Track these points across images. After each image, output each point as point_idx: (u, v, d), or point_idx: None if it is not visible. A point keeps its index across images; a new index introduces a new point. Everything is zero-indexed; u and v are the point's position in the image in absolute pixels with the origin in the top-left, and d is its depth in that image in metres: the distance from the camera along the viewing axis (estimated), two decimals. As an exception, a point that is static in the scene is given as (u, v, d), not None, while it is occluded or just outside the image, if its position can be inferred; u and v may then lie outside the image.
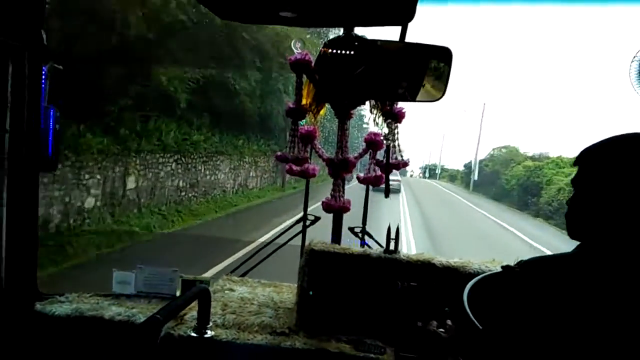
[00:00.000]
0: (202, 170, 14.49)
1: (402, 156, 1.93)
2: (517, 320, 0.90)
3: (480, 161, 39.27)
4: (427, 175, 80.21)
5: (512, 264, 1.02)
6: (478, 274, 1.53)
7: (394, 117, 1.89)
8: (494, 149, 38.07)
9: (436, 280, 1.68)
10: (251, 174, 18.90)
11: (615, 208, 0.88)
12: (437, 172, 74.75)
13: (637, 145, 0.89)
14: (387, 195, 1.91)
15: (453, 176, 59.73)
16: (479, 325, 1.24)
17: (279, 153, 1.95)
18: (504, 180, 30.23)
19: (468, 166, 44.94)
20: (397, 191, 27.13)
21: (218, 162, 15.54)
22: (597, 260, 0.88)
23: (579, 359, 0.80)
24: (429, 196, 30.95)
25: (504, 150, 36.14)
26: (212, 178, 15.27)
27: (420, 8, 1.53)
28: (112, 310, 1.79)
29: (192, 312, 1.71)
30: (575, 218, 0.96)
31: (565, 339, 0.82)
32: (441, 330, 1.22)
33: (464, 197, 32.31)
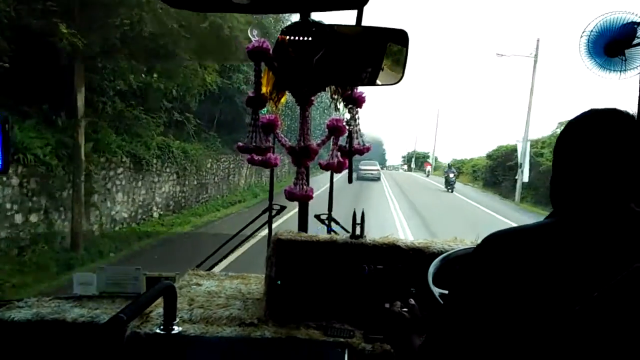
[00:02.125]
0: None
1: (362, 142, 1.92)
2: (476, 295, 0.90)
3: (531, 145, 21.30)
4: (413, 166, 62.81)
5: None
6: (441, 253, 1.55)
7: (354, 102, 1.88)
8: (561, 124, 20.08)
9: (402, 261, 1.70)
10: None
11: (580, 179, 0.91)
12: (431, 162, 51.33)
13: (602, 119, 0.92)
14: (350, 181, 1.91)
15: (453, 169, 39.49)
16: (440, 301, 1.26)
17: (240, 143, 1.92)
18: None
19: (496, 156, 26.45)
20: (377, 179, 29.63)
21: None
22: (561, 231, 0.90)
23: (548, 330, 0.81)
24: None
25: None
26: None
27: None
28: (75, 313, 1.74)
29: (158, 309, 1.68)
30: (554, 189, 0.99)
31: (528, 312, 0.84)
32: (405, 310, 1.22)
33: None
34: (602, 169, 0.89)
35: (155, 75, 10.80)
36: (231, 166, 17.43)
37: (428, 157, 60.32)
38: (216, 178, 15.92)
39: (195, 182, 14.07)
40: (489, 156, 28.54)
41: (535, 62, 23.02)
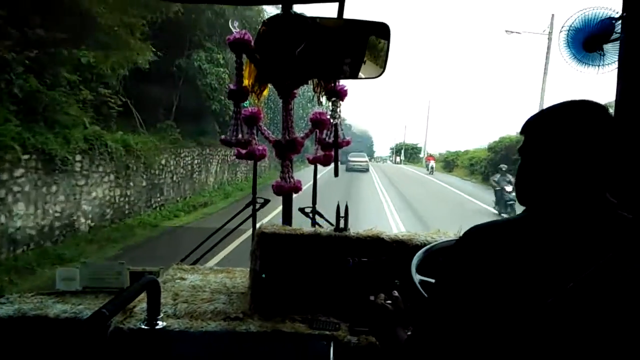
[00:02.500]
0: None
1: (343, 135, 1.93)
2: (458, 286, 0.92)
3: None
4: (402, 158, 57.29)
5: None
6: (425, 245, 1.57)
7: (337, 95, 1.88)
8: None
9: (386, 254, 1.72)
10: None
11: (554, 172, 0.92)
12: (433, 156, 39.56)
13: (574, 111, 0.92)
14: (336, 174, 1.92)
15: (449, 162, 35.15)
16: (424, 294, 1.27)
17: (222, 137, 1.91)
18: None
19: (499, 148, 23.12)
20: (366, 170, 30.49)
21: None
22: (539, 223, 0.91)
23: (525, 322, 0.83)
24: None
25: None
26: None
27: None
28: (57, 308, 1.73)
29: (142, 304, 1.67)
30: (522, 185, 0.99)
31: (505, 303, 0.85)
32: (388, 302, 1.24)
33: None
34: (575, 160, 0.90)
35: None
36: (195, 162, 14.55)
37: (418, 148, 56.47)
38: (175, 177, 13.13)
39: (144, 183, 11.14)
40: (490, 148, 25.00)
41: (550, 40, 19.62)
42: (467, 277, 0.91)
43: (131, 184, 10.56)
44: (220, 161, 16.59)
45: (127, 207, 10.53)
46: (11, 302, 1.79)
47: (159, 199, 12.08)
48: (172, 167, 13.07)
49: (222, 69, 14.10)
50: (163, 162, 12.33)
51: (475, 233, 0.96)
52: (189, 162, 14.22)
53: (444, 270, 0.98)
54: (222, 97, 13.82)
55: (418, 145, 59.86)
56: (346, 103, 1.93)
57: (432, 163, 34.83)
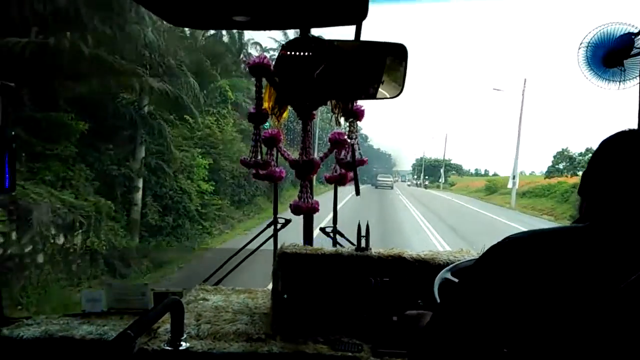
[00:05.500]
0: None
1: (360, 154, 1.95)
2: (495, 290, 0.90)
3: None
4: (441, 181, 48.12)
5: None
6: (447, 264, 1.55)
7: (354, 115, 1.90)
8: None
9: (408, 274, 1.70)
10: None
11: (620, 194, 0.90)
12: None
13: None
14: (357, 193, 1.92)
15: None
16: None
17: (243, 157, 1.94)
18: None
19: None
20: (390, 187, 38.14)
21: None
22: (605, 232, 0.89)
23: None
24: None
25: None
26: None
27: (373, 6, 1.54)
28: (83, 330, 1.75)
29: (165, 325, 1.69)
30: (590, 196, 0.98)
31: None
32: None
33: None
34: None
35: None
36: None
37: (453, 165, 48.82)
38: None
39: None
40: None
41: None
42: (510, 281, 0.87)
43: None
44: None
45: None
46: (38, 323, 1.82)
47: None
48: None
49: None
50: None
51: (515, 241, 0.92)
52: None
53: (477, 271, 0.95)
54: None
55: (452, 162, 52.63)
56: (371, 121, 1.96)
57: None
